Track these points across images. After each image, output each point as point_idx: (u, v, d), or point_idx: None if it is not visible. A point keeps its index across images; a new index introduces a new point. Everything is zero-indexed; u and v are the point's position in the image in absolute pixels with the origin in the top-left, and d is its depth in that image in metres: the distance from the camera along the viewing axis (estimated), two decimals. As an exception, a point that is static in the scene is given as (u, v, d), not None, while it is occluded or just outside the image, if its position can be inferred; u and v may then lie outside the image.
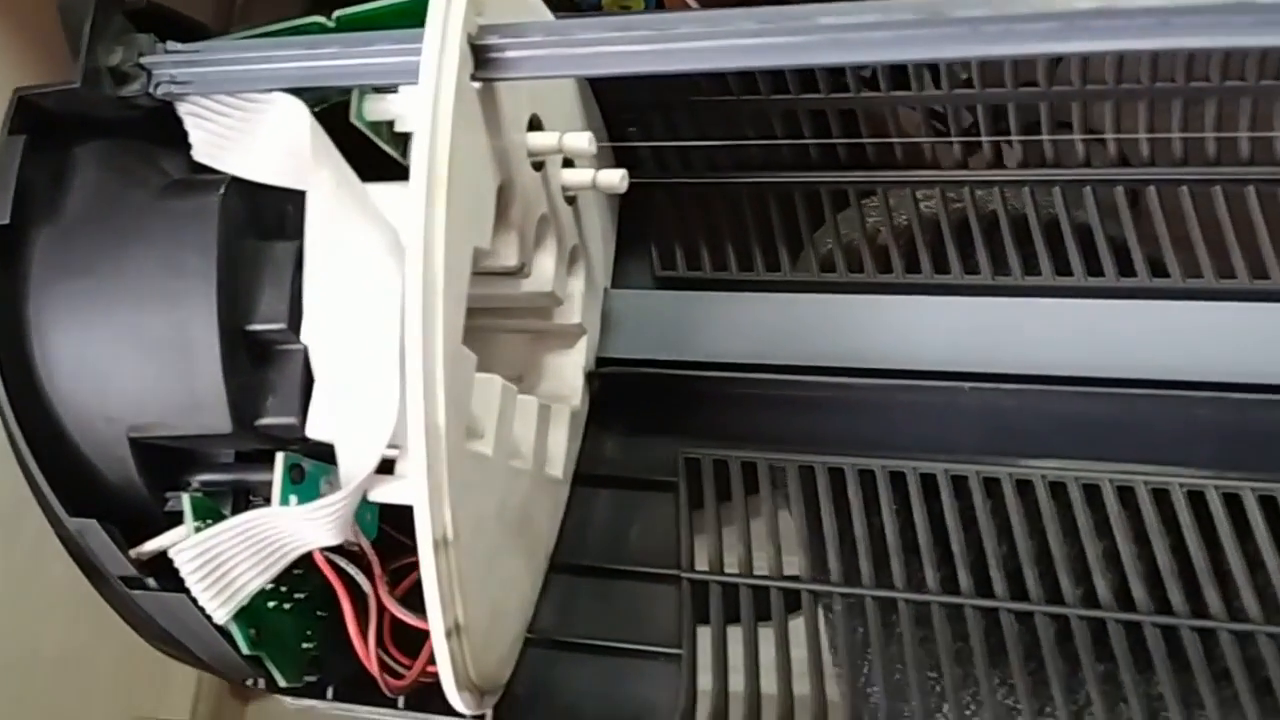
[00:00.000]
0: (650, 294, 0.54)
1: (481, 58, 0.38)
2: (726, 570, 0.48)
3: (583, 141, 0.43)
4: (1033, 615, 0.43)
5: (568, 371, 0.50)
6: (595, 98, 0.53)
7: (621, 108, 0.53)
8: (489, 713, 0.44)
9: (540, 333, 0.50)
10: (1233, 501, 0.43)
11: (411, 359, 0.36)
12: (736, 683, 0.44)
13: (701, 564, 0.48)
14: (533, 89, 0.44)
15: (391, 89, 0.42)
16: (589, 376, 0.51)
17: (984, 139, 0.50)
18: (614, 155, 0.54)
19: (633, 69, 0.37)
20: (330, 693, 0.46)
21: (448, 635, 0.38)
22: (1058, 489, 0.45)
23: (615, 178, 0.46)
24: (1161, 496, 0.44)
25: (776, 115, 0.52)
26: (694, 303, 0.53)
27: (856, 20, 0.34)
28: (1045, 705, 0.42)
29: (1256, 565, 0.42)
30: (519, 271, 0.45)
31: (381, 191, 0.40)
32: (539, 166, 0.45)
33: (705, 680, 0.45)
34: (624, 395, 0.53)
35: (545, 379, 0.51)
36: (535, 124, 0.44)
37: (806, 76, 0.51)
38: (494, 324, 0.50)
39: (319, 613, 0.44)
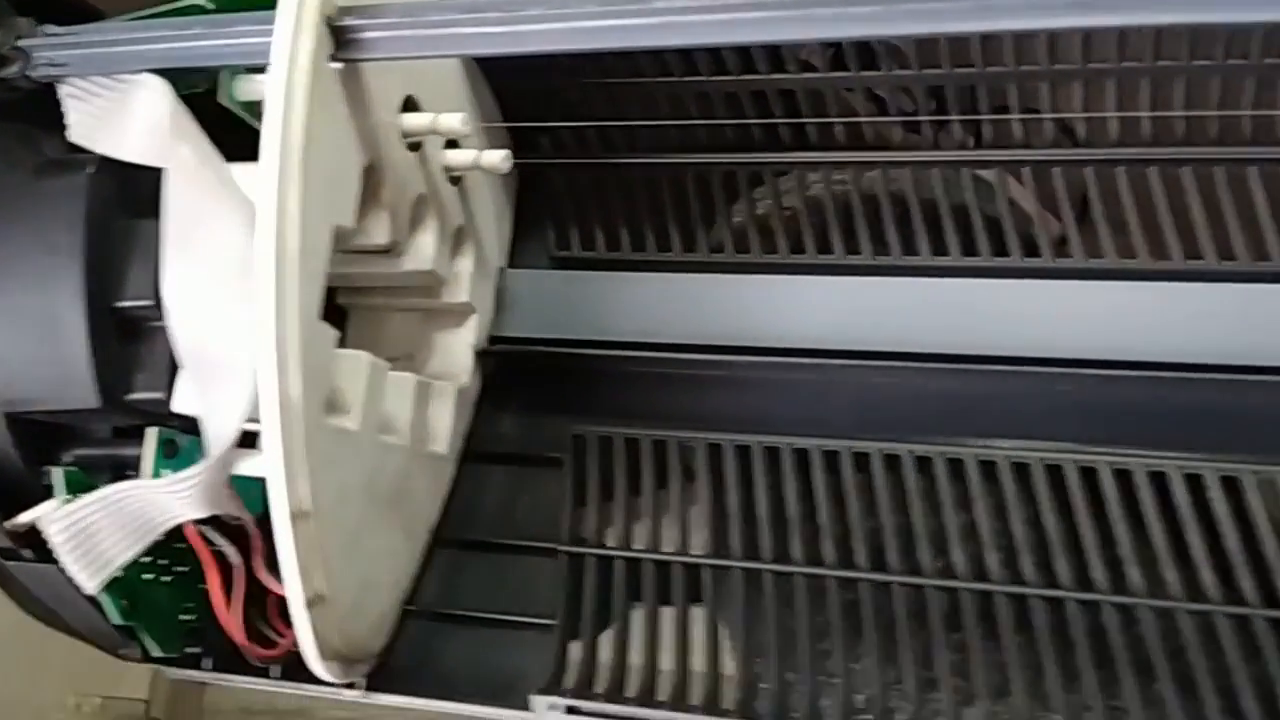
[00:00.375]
0: (546, 274, 0.55)
1: (342, 39, 0.39)
2: (608, 544, 0.48)
3: (456, 122, 0.44)
4: (890, 586, 0.44)
5: (457, 350, 0.51)
6: (489, 80, 0.53)
7: (515, 90, 0.54)
8: (361, 681, 0.45)
9: (430, 311, 0.51)
10: (1089, 475, 0.44)
11: (263, 334, 0.37)
12: (607, 653, 0.45)
13: (585, 538, 0.49)
14: (408, 70, 0.45)
15: (262, 69, 0.42)
16: (481, 355, 0.52)
17: (864, 120, 0.51)
18: (510, 136, 0.55)
19: (484, 50, 0.39)
20: (209, 663, 0.47)
21: (308, 605, 0.39)
22: (923, 464, 0.46)
23: (498, 158, 0.47)
24: (1021, 470, 0.45)
25: (664, 98, 0.53)
26: (588, 283, 0.54)
27: (692, 4, 0.35)
28: (899, 676, 0.43)
29: (1108, 538, 0.43)
30: (393, 250, 0.45)
31: (246, 171, 0.40)
32: (416, 147, 0.45)
33: (577, 650, 0.45)
34: (519, 373, 0.54)
35: (435, 357, 0.51)
36: (412, 105, 0.45)
37: (689, 59, 0.51)
38: (385, 303, 0.51)
39: (201, 586, 0.45)
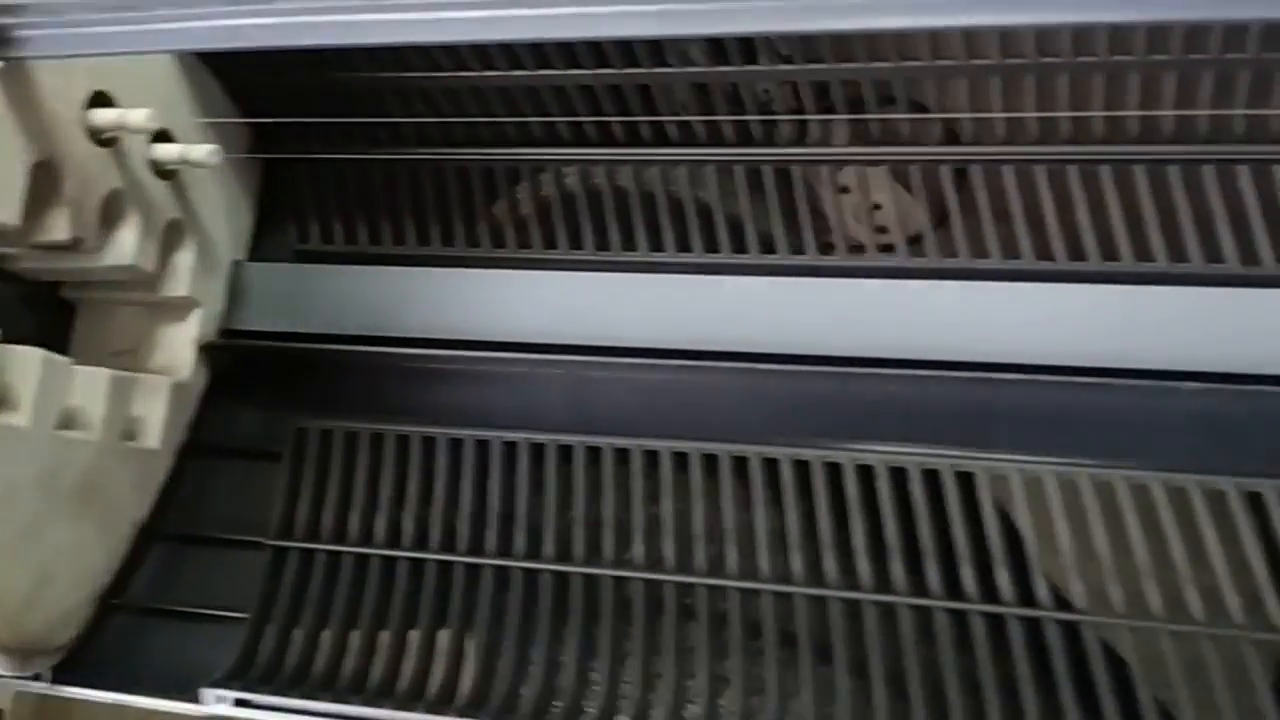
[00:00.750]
0: (282, 267, 0.55)
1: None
2: (316, 539, 0.49)
3: (140, 118, 0.44)
4: (568, 576, 0.45)
5: (177, 344, 0.51)
6: (223, 76, 0.53)
7: (252, 86, 0.54)
8: (47, 674, 0.45)
9: (153, 305, 0.51)
10: (771, 466, 0.45)
11: (-101, 333, 0.37)
12: (298, 645, 0.46)
13: (297, 531, 0.49)
14: (98, 65, 0.45)
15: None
16: (208, 349, 0.52)
17: (598, 118, 0.52)
18: (252, 131, 0.55)
19: (118, 49, 0.38)
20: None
21: (-35, 601, 0.39)
22: (621, 455, 0.47)
23: (203, 153, 0.47)
24: (710, 462, 0.46)
25: (390, 94, 0.53)
26: (326, 277, 0.54)
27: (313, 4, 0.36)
28: (566, 663, 0.44)
29: (779, 528, 0.44)
30: (81, 245, 0.45)
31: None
32: (109, 142, 0.45)
33: (268, 642, 0.46)
34: (255, 367, 0.54)
35: (157, 351, 0.51)
36: (105, 100, 0.45)
37: (402, 57, 0.52)
38: (106, 297, 0.51)
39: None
